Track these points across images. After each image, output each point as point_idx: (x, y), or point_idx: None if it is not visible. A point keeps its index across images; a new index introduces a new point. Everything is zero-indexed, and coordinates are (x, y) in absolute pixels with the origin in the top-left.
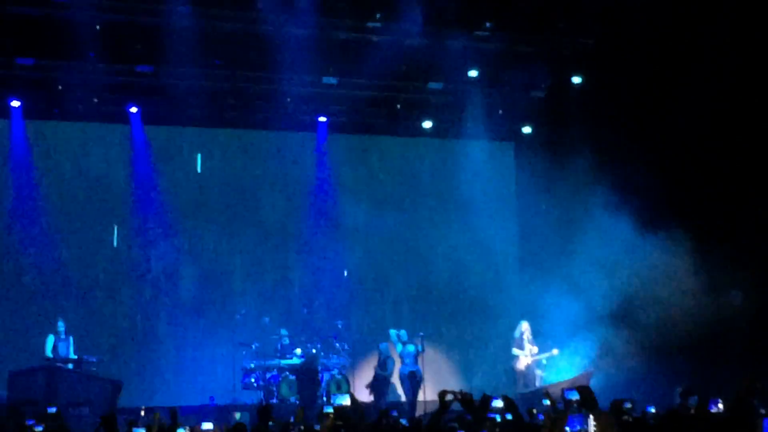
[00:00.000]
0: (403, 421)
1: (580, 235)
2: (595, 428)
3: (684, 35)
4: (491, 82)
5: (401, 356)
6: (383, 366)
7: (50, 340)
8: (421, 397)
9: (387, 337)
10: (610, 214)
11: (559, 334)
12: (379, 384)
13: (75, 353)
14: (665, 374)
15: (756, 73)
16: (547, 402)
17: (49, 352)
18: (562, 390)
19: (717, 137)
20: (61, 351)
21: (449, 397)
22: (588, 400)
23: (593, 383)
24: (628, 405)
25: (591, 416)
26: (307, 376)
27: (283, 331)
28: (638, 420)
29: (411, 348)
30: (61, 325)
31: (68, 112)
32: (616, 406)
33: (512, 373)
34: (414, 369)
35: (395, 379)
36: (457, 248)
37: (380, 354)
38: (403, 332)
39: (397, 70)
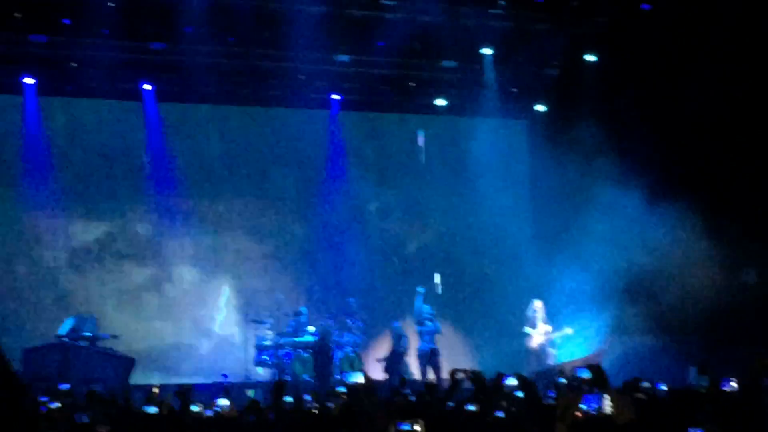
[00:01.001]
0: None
1: (593, 212)
2: (611, 407)
3: (696, 13)
4: (505, 60)
5: (419, 333)
6: (397, 344)
7: (69, 322)
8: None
9: (403, 315)
10: (623, 191)
11: (571, 312)
12: (393, 361)
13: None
14: (678, 352)
15: None
16: (563, 380)
17: (62, 330)
18: (574, 368)
19: (730, 112)
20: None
21: (460, 375)
22: (599, 379)
23: (605, 361)
24: (646, 384)
25: (607, 395)
26: (321, 353)
27: (303, 309)
28: (652, 398)
29: (430, 325)
30: (93, 319)
31: (82, 89)
32: (632, 384)
33: (525, 351)
34: (432, 347)
35: (411, 357)
36: (470, 227)
37: (393, 332)
38: (426, 307)
39: (411, 48)
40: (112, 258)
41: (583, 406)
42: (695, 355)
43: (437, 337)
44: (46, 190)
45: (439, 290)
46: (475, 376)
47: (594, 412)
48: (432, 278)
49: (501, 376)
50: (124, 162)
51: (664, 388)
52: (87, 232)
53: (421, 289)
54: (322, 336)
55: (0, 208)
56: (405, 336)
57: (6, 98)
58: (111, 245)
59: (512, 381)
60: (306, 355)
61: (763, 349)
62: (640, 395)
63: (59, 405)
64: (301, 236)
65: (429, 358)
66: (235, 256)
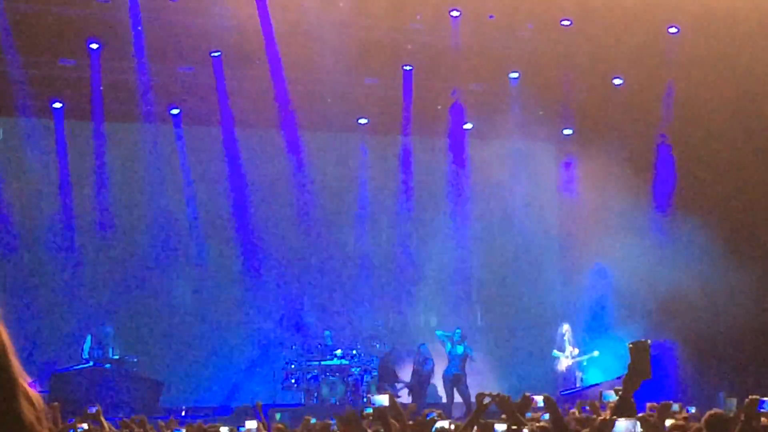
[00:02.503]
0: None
1: (620, 235)
2: None
3: (723, 34)
4: (528, 83)
5: (449, 356)
6: (421, 367)
7: (88, 341)
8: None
9: (428, 337)
10: (651, 214)
11: (598, 334)
12: (418, 384)
13: (115, 354)
14: (707, 376)
15: None
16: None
17: (86, 353)
18: (600, 392)
19: (756, 136)
20: (96, 354)
21: (487, 399)
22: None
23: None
24: (675, 408)
25: (638, 422)
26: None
27: (327, 333)
28: (684, 422)
29: (460, 350)
30: (109, 331)
31: (109, 113)
32: (664, 408)
33: (553, 374)
34: (458, 372)
35: (438, 380)
36: (498, 250)
37: (420, 355)
38: (457, 332)
39: (436, 71)
40: (137, 279)
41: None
42: (724, 378)
43: (467, 361)
44: (69, 215)
45: (479, 322)
46: (501, 399)
47: None
48: (459, 300)
49: (528, 398)
50: (141, 183)
51: (693, 410)
52: (111, 254)
53: (458, 330)
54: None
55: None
56: (430, 359)
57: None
58: (136, 267)
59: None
60: (333, 378)
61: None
62: (672, 420)
63: (86, 428)
64: (326, 259)
65: (454, 382)
66: (262, 278)
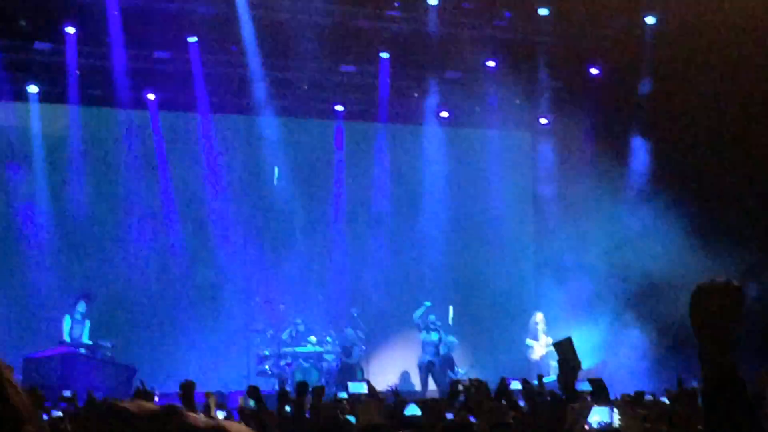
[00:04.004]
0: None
1: (595, 224)
2: (619, 422)
3: (702, 26)
4: (509, 72)
5: (422, 343)
6: (347, 353)
7: (67, 321)
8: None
9: (404, 324)
10: (625, 204)
11: (572, 323)
12: (341, 373)
13: (89, 338)
14: (681, 364)
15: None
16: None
17: (66, 335)
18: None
19: (731, 127)
20: (75, 334)
21: (460, 387)
22: (600, 393)
23: (607, 373)
24: (649, 397)
25: (616, 409)
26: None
27: (298, 320)
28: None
29: (434, 336)
30: (81, 306)
31: (85, 96)
32: (636, 398)
33: (527, 363)
34: (432, 359)
35: (413, 368)
36: (473, 238)
37: (345, 340)
38: (431, 317)
39: (414, 59)
40: (113, 264)
41: (591, 421)
42: (697, 368)
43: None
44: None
45: (450, 321)
46: (479, 385)
47: (602, 426)
48: (434, 289)
49: (505, 382)
50: (123, 169)
51: (666, 401)
52: (88, 239)
53: (427, 303)
54: (347, 347)
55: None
56: (358, 346)
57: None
58: (111, 252)
59: (516, 385)
60: (307, 365)
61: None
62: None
63: (60, 414)
64: (302, 246)
65: (428, 368)
66: (237, 264)
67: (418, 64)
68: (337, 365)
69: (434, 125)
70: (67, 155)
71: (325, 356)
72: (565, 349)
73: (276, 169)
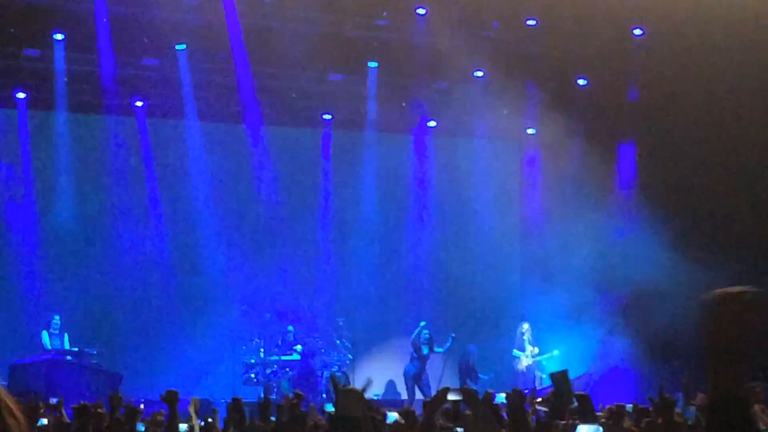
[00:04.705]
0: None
1: (582, 235)
2: None
3: (689, 37)
4: (497, 82)
5: (411, 355)
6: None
7: (45, 335)
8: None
9: (391, 335)
10: (612, 215)
11: (558, 334)
12: (304, 378)
13: (74, 346)
14: (665, 375)
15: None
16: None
17: (48, 345)
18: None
19: (718, 137)
20: (54, 347)
21: (451, 396)
22: (586, 409)
23: (592, 384)
24: (629, 408)
25: (600, 428)
26: (306, 372)
27: (290, 328)
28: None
29: (425, 350)
30: (56, 320)
31: (73, 103)
32: (618, 413)
33: (513, 373)
34: (417, 371)
35: (399, 377)
36: (460, 247)
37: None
38: (425, 333)
39: (401, 69)
40: (98, 272)
41: None
42: (682, 379)
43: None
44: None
45: (439, 319)
46: (469, 394)
47: None
48: (422, 299)
49: (490, 394)
50: (108, 175)
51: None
52: (71, 245)
53: (422, 323)
54: (308, 355)
55: None
56: (318, 349)
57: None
58: (96, 259)
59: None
60: (292, 372)
61: (755, 376)
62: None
63: (45, 422)
64: (289, 254)
65: (415, 380)
66: (223, 273)
67: (406, 74)
68: (321, 374)
69: (422, 134)
70: (55, 162)
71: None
72: (560, 381)
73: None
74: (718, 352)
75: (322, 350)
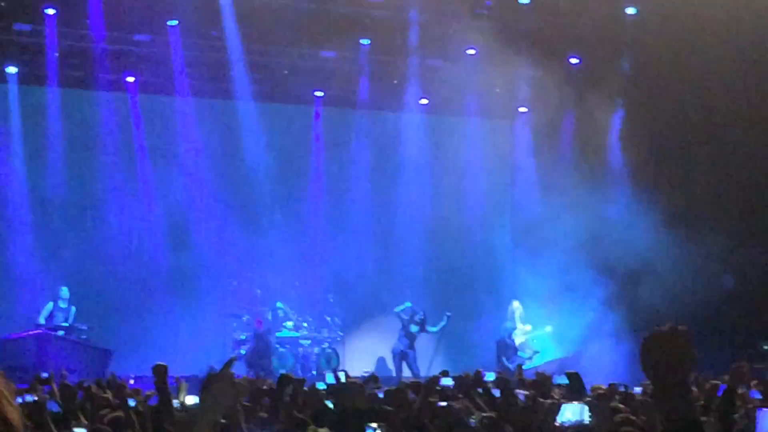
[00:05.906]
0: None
1: (574, 213)
2: (590, 418)
3: (682, 17)
4: (489, 60)
5: (399, 333)
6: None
7: (48, 307)
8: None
9: (383, 312)
10: (605, 193)
11: (550, 312)
12: (257, 354)
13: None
14: None
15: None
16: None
17: (42, 319)
18: (547, 375)
19: (708, 118)
20: (58, 320)
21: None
22: (577, 387)
23: (582, 364)
24: (621, 389)
25: (585, 406)
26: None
27: (279, 304)
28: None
29: (414, 328)
30: (65, 292)
31: (65, 78)
32: (608, 393)
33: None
34: (405, 349)
35: (388, 354)
36: (452, 225)
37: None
38: (415, 312)
39: (393, 46)
40: (89, 248)
41: (563, 418)
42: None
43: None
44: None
45: (430, 299)
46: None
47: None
48: (412, 276)
49: (479, 373)
50: (97, 151)
51: (639, 391)
52: (65, 224)
53: (408, 304)
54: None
55: None
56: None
57: None
58: (88, 236)
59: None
60: (283, 350)
61: (742, 354)
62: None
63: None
64: (280, 231)
65: (402, 357)
66: (214, 249)
67: (398, 51)
68: (311, 351)
69: (414, 112)
70: (46, 137)
71: (301, 341)
72: (575, 380)
73: None
74: (666, 383)
75: (312, 327)
